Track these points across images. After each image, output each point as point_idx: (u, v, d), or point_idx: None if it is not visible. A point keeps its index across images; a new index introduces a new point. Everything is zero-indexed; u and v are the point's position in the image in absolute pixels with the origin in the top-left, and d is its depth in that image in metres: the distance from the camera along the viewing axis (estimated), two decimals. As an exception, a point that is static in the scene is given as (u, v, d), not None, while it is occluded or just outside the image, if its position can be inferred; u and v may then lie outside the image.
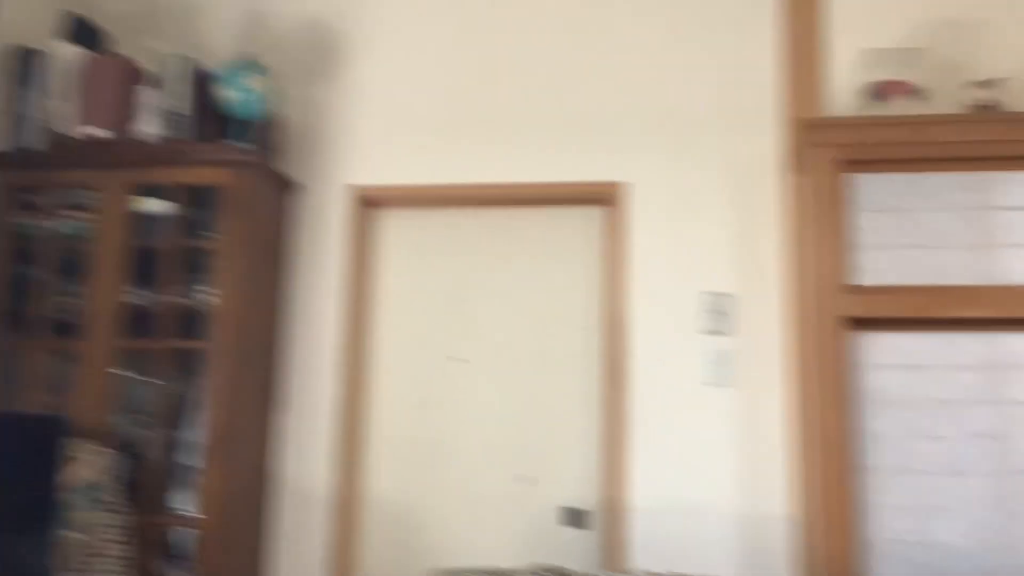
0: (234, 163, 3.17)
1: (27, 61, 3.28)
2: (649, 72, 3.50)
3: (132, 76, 3.25)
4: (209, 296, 3.16)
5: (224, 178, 3.17)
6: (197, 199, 3.26)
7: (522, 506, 3.37)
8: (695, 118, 3.44)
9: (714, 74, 3.46)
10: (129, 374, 3.22)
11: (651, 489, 3.22)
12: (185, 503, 3.11)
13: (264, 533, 3.35)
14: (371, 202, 3.61)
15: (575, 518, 3.33)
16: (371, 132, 3.60)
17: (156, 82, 3.23)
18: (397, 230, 3.63)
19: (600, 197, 3.46)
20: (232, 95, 3.19)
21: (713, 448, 3.22)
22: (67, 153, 3.24)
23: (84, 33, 3.42)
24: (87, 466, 2.83)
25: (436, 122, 3.58)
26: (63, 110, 3.24)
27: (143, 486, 3.04)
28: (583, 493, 3.35)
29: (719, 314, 3.29)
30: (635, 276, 3.36)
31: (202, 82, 3.26)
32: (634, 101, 3.48)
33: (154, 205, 3.20)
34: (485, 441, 3.43)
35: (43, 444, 2.57)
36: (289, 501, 3.40)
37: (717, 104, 3.43)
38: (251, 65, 3.21)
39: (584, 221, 3.53)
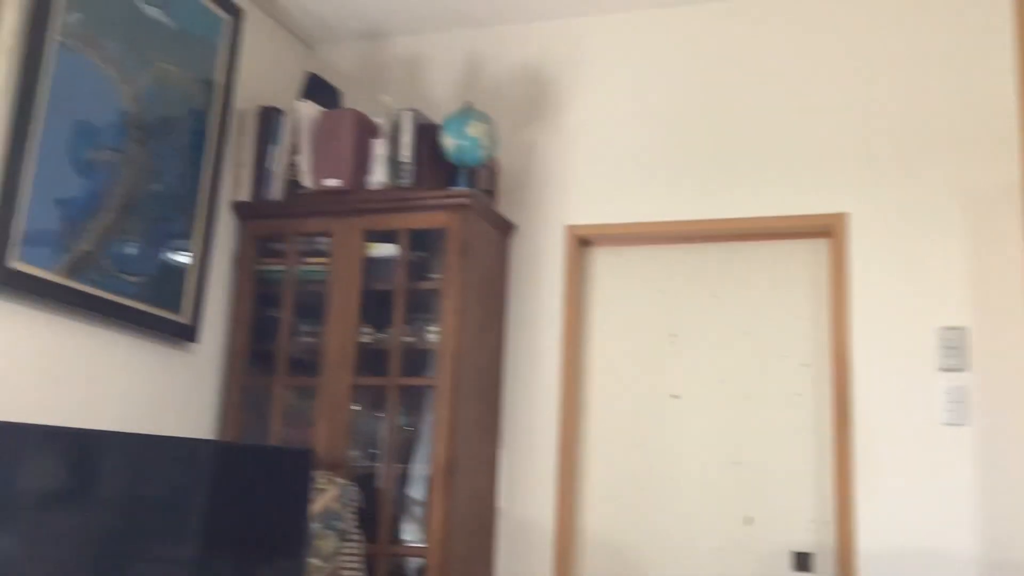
0: (456, 207, 3.31)
1: (270, 119, 3.57)
2: (873, 100, 3.39)
3: (364, 129, 3.47)
4: (435, 334, 3.30)
5: (447, 221, 3.32)
6: (423, 242, 3.43)
7: (745, 548, 3.30)
8: (925, 145, 3.29)
9: (946, 100, 3.30)
10: (363, 409, 3.41)
11: (882, 533, 3.08)
12: (413, 533, 3.24)
13: (487, 564, 3.44)
14: (586, 240, 3.67)
15: (802, 562, 3.23)
16: (586, 172, 3.67)
17: (384, 133, 3.43)
18: (612, 268, 3.67)
19: (822, 229, 3.37)
20: (454, 142, 3.34)
21: (950, 490, 3.04)
22: (305, 203, 3.49)
23: (321, 91, 3.69)
24: (328, 496, 3.01)
25: (651, 160, 3.60)
26: (302, 163, 3.49)
27: (375, 517, 3.20)
28: (807, 536, 3.24)
29: (954, 349, 3.12)
30: (861, 309, 3.24)
31: (426, 131, 3.43)
32: (857, 130, 3.38)
33: (384, 249, 3.39)
34: (703, 480, 3.39)
35: (294, 476, 2.76)
36: (510, 534, 3.48)
37: (948, 130, 3.28)
38: (471, 112, 3.35)
39: (805, 254, 3.44)
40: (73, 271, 2.80)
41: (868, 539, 3.09)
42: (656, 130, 3.62)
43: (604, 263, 3.69)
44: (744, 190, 3.46)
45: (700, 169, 3.54)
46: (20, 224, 2.63)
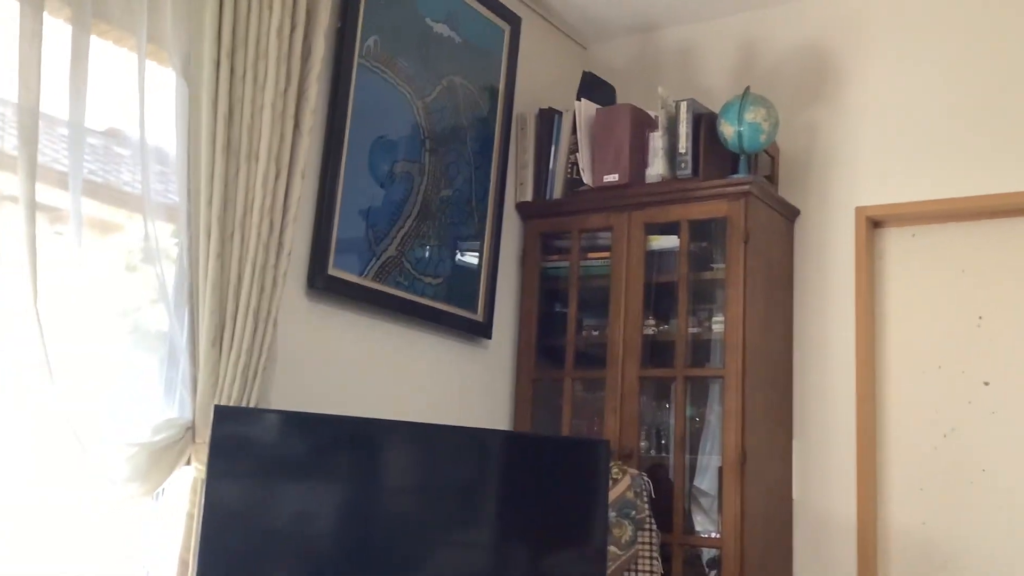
0: (737, 195, 3.27)
1: (549, 121, 3.68)
2: None
3: (640, 123, 3.50)
4: (720, 325, 3.27)
5: (729, 210, 3.27)
6: (705, 232, 3.41)
7: (1074, 547, 3.02)
8: None
9: None
10: (652, 401, 3.44)
11: None
12: (706, 524, 3.23)
13: (785, 557, 3.36)
14: (877, 222, 3.50)
15: None
16: (874, 149, 3.50)
17: (661, 125, 3.43)
18: (907, 249, 3.47)
19: None
20: (732, 129, 3.29)
21: None
22: (586, 200, 3.56)
23: (596, 88, 3.76)
24: (622, 486, 3.06)
25: (946, 132, 3.37)
26: (581, 161, 3.57)
27: (667, 507, 3.21)
28: None
29: None
30: None
31: (703, 120, 3.40)
32: None
33: (665, 241, 3.40)
34: (1022, 473, 3.13)
35: (591, 466, 2.84)
36: (807, 526, 3.38)
37: None
38: (749, 98, 3.29)
39: None
40: (380, 275, 3.03)
41: None
42: (949, 99, 3.38)
43: (898, 244, 3.49)
44: (1057, 158, 3.17)
45: (1003, 137, 3.27)
46: (334, 234, 2.88)
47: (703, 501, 3.26)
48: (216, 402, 2.37)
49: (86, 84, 2.21)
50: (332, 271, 2.88)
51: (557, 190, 3.66)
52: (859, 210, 3.48)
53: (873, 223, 3.50)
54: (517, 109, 3.67)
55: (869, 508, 3.31)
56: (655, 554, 3.07)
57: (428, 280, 3.22)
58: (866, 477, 3.32)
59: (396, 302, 3.09)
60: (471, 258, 3.41)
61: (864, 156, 3.51)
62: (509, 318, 3.64)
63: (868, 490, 3.32)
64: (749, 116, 3.27)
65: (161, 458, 2.30)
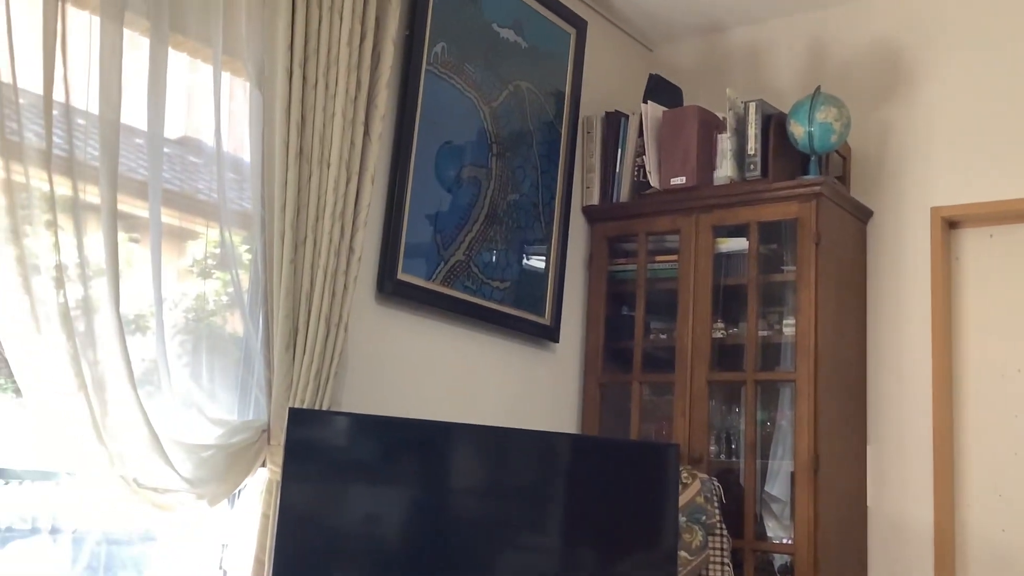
0: (808, 196, 3.22)
1: (615, 124, 3.67)
2: None
3: (708, 124, 3.47)
4: (791, 328, 3.23)
5: (799, 212, 3.23)
6: (774, 234, 3.37)
7: None
8: None
9: None
10: (721, 405, 3.40)
11: None
12: (778, 530, 3.19)
13: (860, 564, 3.30)
14: (954, 222, 3.42)
15: None
16: (950, 148, 3.42)
17: (729, 127, 3.40)
18: (986, 249, 3.38)
19: None
20: (802, 130, 3.25)
21: None
22: (653, 202, 3.55)
23: (663, 91, 3.74)
24: (692, 491, 3.04)
25: (1019, 132, 3.29)
26: (648, 164, 3.55)
27: (737, 512, 3.18)
28: None
29: None
30: None
31: (772, 121, 3.36)
32: None
33: (734, 244, 3.37)
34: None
35: (660, 470, 2.82)
36: (882, 533, 3.32)
37: None
38: (820, 97, 3.24)
39: None
40: (448, 279, 3.05)
41: None
42: (1016, 102, 3.30)
43: (975, 245, 3.41)
44: None
45: (1086, 135, 3.17)
46: (402, 239, 2.91)
47: (774, 507, 3.22)
48: (290, 405, 2.41)
49: (164, 95, 2.27)
50: (401, 275, 2.91)
51: (624, 193, 3.65)
52: (934, 210, 3.40)
53: (949, 224, 3.42)
54: (583, 113, 3.66)
55: (946, 515, 3.24)
56: (726, 560, 3.04)
57: (495, 284, 3.23)
58: (943, 483, 3.25)
59: (464, 306, 3.11)
60: (538, 262, 3.42)
61: (939, 155, 3.44)
62: (576, 322, 3.63)
63: (945, 497, 3.24)
64: (820, 116, 3.22)
65: (238, 460, 2.35)
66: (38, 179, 1.99)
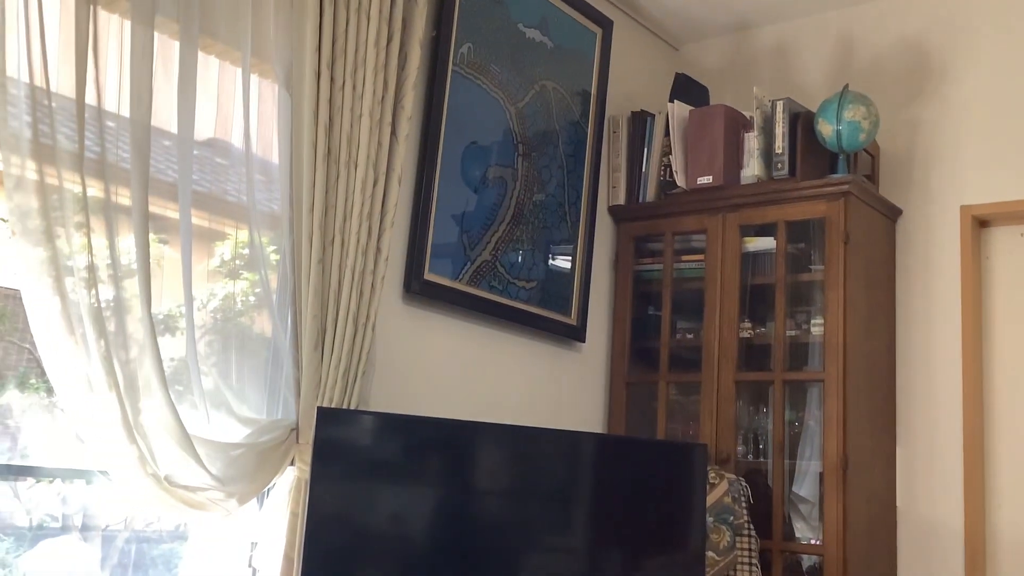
0: (836, 195, 3.20)
1: (641, 123, 3.66)
2: None
3: (734, 123, 3.45)
4: (819, 327, 3.21)
5: (827, 211, 3.21)
6: (802, 234, 3.35)
7: None
8: None
9: None
10: (748, 405, 3.39)
11: None
12: (806, 531, 3.17)
13: (889, 566, 3.27)
14: (984, 221, 3.39)
15: None
16: (980, 146, 3.38)
17: (756, 126, 3.38)
18: (1013, 248, 3.35)
19: None
20: (830, 128, 3.23)
21: None
22: (679, 202, 3.54)
23: (689, 90, 3.73)
24: (719, 491, 3.03)
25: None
26: (674, 163, 3.54)
27: (765, 512, 3.16)
28: None
29: None
30: None
31: (800, 119, 3.34)
32: None
33: (762, 243, 3.35)
34: None
35: (688, 470, 2.82)
36: (912, 534, 3.29)
37: None
38: (848, 96, 3.22)
39: None
40: (474, 279, 3.06)
41: None
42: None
43: (1005, 244, 3.37)
44: None
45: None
46: (429, 239, 2.92)
47: (803, 507, 3.20)
48: (318, 404, 2.43)
49: (194, 98, 2.29)
50: (428, 275, 2.92)
51: (650, 193, 3.64)
52: (964, 209, 3.37)
53: (979, 222, 3.39)
54: (609, 112, 3.66)
55: (977, 516, 3.21)
56: (754, 560, 3.02)
57: (522, 284, 3.23)
58: (974, 484, 3.22)
59: (490, 306, 3.11)
60: (564, 262, 3.42)
61: (969, 153, 3.41)
62: (602, 321, 3.63)
63: (976, 497, 3.21)
64: (848, 114, 3.20)
65: (267, 459, 2.37)
66: (70, 181, 2.02)
